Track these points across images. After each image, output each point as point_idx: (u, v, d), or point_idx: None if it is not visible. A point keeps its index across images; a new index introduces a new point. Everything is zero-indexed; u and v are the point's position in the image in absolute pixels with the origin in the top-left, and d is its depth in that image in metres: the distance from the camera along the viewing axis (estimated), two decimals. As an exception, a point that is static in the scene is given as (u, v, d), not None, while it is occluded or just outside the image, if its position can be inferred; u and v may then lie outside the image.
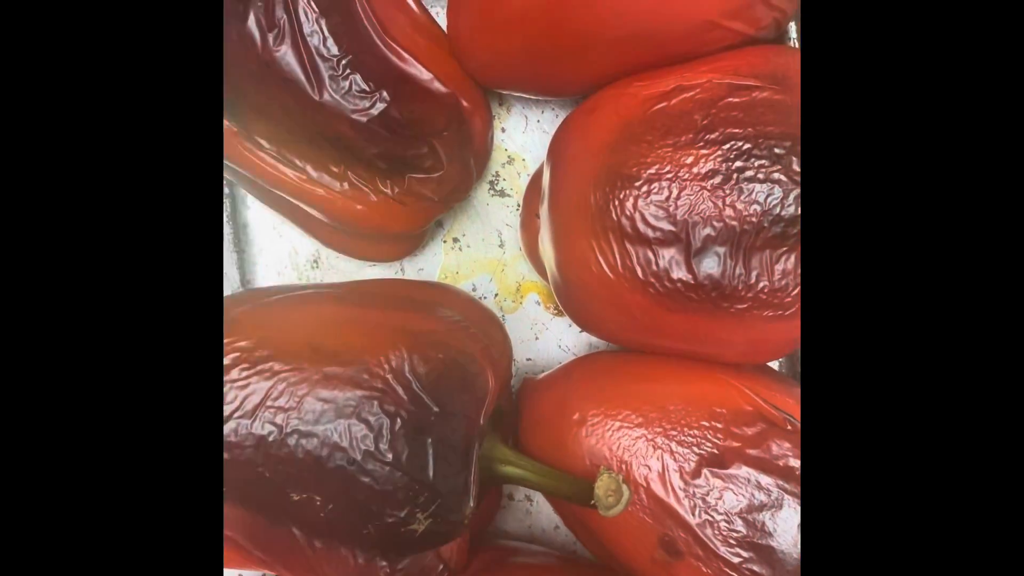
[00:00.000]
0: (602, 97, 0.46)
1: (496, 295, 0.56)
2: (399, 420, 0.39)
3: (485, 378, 0.42)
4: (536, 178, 0.53)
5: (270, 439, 0.39)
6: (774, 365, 0.57)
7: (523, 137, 0.56)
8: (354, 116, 0.44)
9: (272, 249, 0.55)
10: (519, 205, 0.56)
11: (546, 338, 0.56)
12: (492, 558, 0.46)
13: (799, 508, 0.41)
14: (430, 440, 0.39)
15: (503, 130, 0.56)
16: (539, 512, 0.55)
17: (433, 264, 0.56)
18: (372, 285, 0.47)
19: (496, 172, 0.56)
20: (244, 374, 0.39)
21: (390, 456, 0.38)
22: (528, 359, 0.56)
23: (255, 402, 0.39)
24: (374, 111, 0.44)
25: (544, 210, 0.47)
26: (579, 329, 0.56)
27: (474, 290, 0.56)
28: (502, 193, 0.56)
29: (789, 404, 0.44)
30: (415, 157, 0.45)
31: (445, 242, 0.56)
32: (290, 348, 0.40)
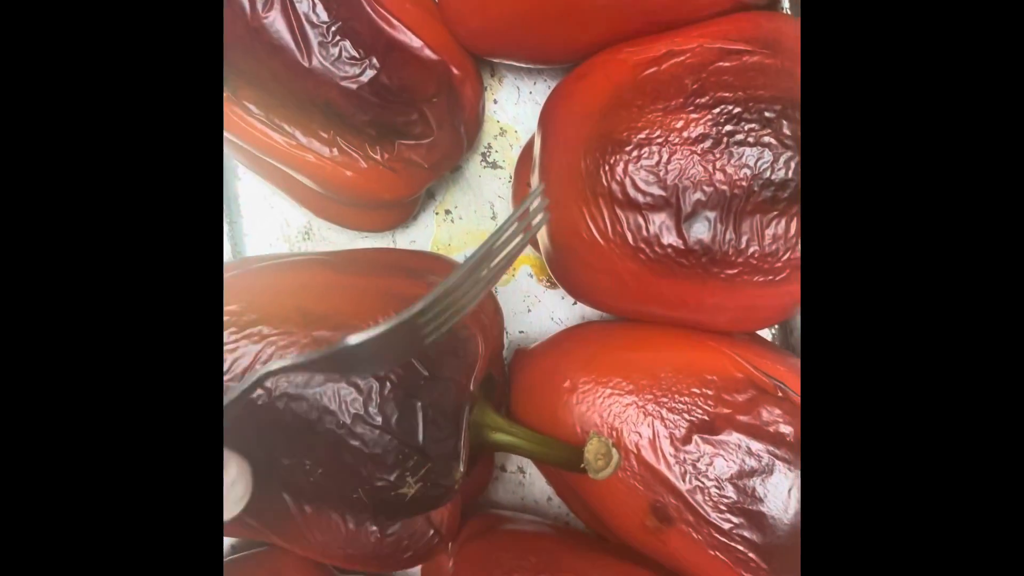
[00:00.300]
0: (592, 64, 0.46)
1: (488, 267, 0.56)
2: (388, 384, 0.39)
3: (475, 343, 0.42)
4: (528, 149, 0.53)
5: (259, 403, 0.39)
6: (767, 336, 0.57)
7: (515, 109, 0.56)
8: (344, 83, 0.44)
9: (263, 221, 0.55)
10: (511, 177, 0.56)
11: (539, 311, 0.56)
12: (484, 525, 0.46)
13: (790, 474, 0.41)
14: (419, 404, 0.39)
15: (495, 102, 0.56)
16: (532, 484, 0.55)
17: (425, 236, 0.56)
18: (363, 253, 0.47)
19: (488, 144, 0.56)
20: (233, 338, 0.39)
21: (379, 419, 0.38)
22: (521, 332, 0.56)
23: (244, 365, 0.39)
24: (364, 78, 0.44)
25: (535, 178, 0.47)
26: (572, 301, 0.56)
27: (466, 262, 0.56)
28: (494, 165, 0.56)
29: (780, 372, 0.44)
30: (405, 124, 0.45)
31: (437, 214, 0.56)
32: (279, 312, 0.40)
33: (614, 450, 0.39)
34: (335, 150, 0.44)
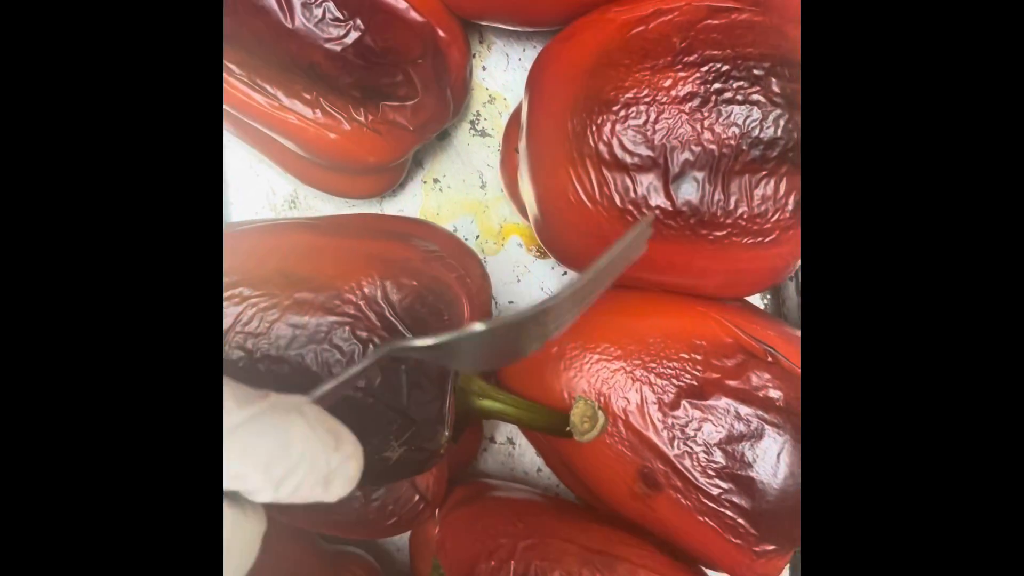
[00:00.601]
0: (579, 24, 0.45)
1: (478, 237, 0.55)
2: (371, 347, 0.38)
3: (460, 306, 0.41)
4: (516, 113, 0.52)
5: (240, 364, 0.38)
6: (760, 306, 0.56)
7: (505, 76, 0.55)
8: (328, 45, 0.43)
9: (248, 189, 0.55)
10: (500, 146, 0.55)
11: (528, 281, 0.55)
12: (472, 492, 0.46)
13: (779, 438, 0.41)
14: (404, 367, 0.38)
15: (484, 68, 0.55)
16: (521, 455, 0.55)
17: (413, 205, 0.55)
18: (348, 217, 0.46)
19: (477, 112, 0.55)
20: (213, 299, 0.39)
21: (363, 382, 0.38)
22: (510, 302, 0.55)
23: (224, 327, 0.38)
24: (348, 40, 0.44)
25: (523, 143, 0.46)
26: (562, 271, 0.55)
27: (455, 231, 0.55)
28: (483, 133, 0.55)
29: (770, 337, 0.44)
30: (389, 86, 0.44)
31: (425, 183, 0.55)
32: (260, 274, 0.39)
33: (600, 412, 0.38)
34: (318, 112, 0.44)
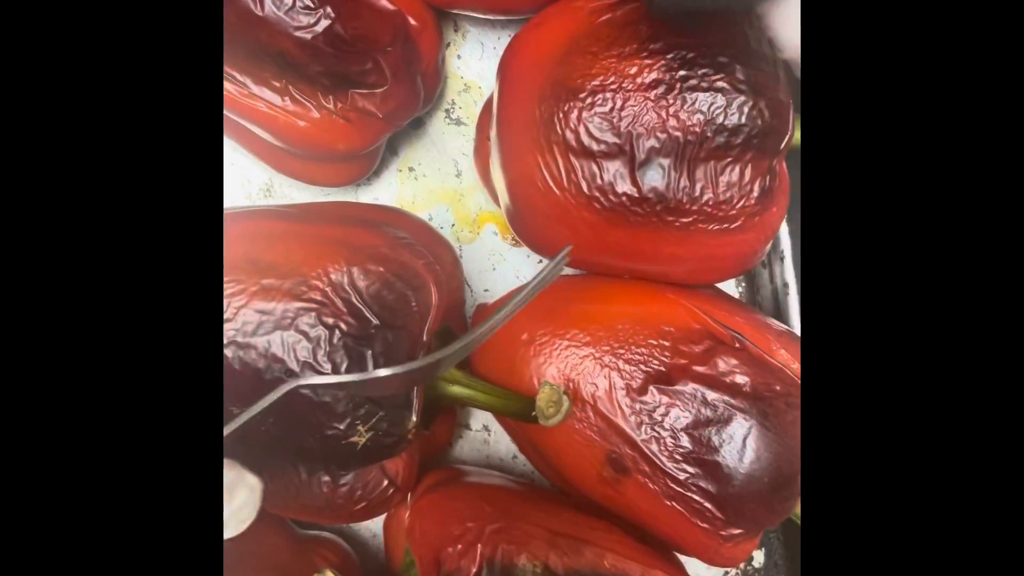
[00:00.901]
0: (548, 12, 0.45)
1: (453, 225, 0.55)
2: (338, 332, 0.38)
3: (428, 292, 0.41)
4: (489, 102, 0.52)
5: (207, 350, 0.38)
6: (735, 294, 0.57)
7: (479, 64, 0.55)
8: (297, 33, 0.44)
9: (223, 177, 0.55)
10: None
11: (503, 269, 0.56)
12: (442, 477, 0.46)
13: (745, 423, 0.41)
14: (370, 352, 0.39)
15: (459, 57, 0.55)
16: (497, 442, 0.55)
17: (388, 194, 0.55)
18: (319, 205, 0.46)
19: (452, 100, 0.55)
20: (180, 286, 0.39)
21: (329, 367, 0.38)
22: (485, 290, 0.56)
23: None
24: (318, 28, 0.44)
25: (493, 131, 0.46)
26: (537, 259, 0.56)
27: (431, 220, 0.55)
28: (458, 122, 0.55)
29: (739, 323, 0.44)
30: (359, 73, 0.44)
31: (400, 171, 0.55)
32: (227, 260, 0.39)
33: (564, 397, 0.39)
34: (287, 100, 0.44)
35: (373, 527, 0.54)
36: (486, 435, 0.55)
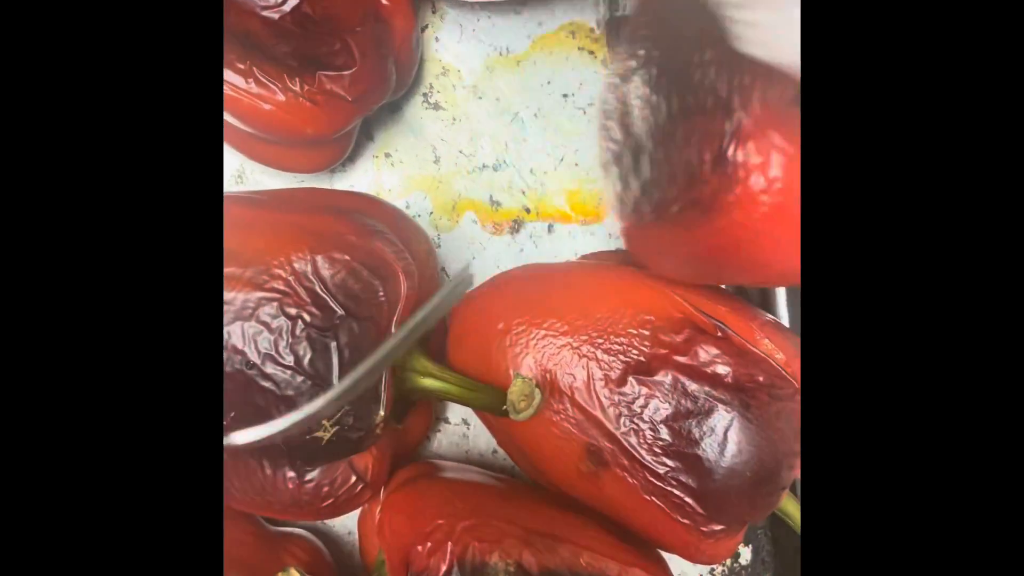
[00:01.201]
0: None
1: (431, 213, 0.54)
2: (300, 323, 0.37)
3: (397, 282, 0.40)
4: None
5: (164, 342, 0.37)
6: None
7: (458, 47, 0.54)
8: (265, 13, 0.42)
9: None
10: (455, 119, 0.54)
11: (484, 258, 0.54)
12: (418, 472, 0.44)
13: (726, 415, 0.40)
14: (334, 344, 0.37)
15: (437, 39, 0.54)
16: (476, 436, 0.54)
17: (365, 181, 0.54)
18: (290, 191, 0.45)
19: (430, 84, 0.54)
20: (135, 274, 0.37)
21: (291, 359, 0.37)
22: (465, 279, 0.54)
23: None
24: (286, 7, 0.42)
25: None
26: (519, 248, 0.54)
27: (408, 208, 0.54)
28: (436, 106, 0.54)
29: (722, 312, 0.42)
30: (327, 55, 0.43)
31: (376, 157, 0.54)
32: (185, 248, 0.38)
33: (536, 390, 0.37)
34: (251, 82, 0.42)
35: (349, 524, 0.53)
36: (465, 429, 0.54)
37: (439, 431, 0.54)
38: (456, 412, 0.54)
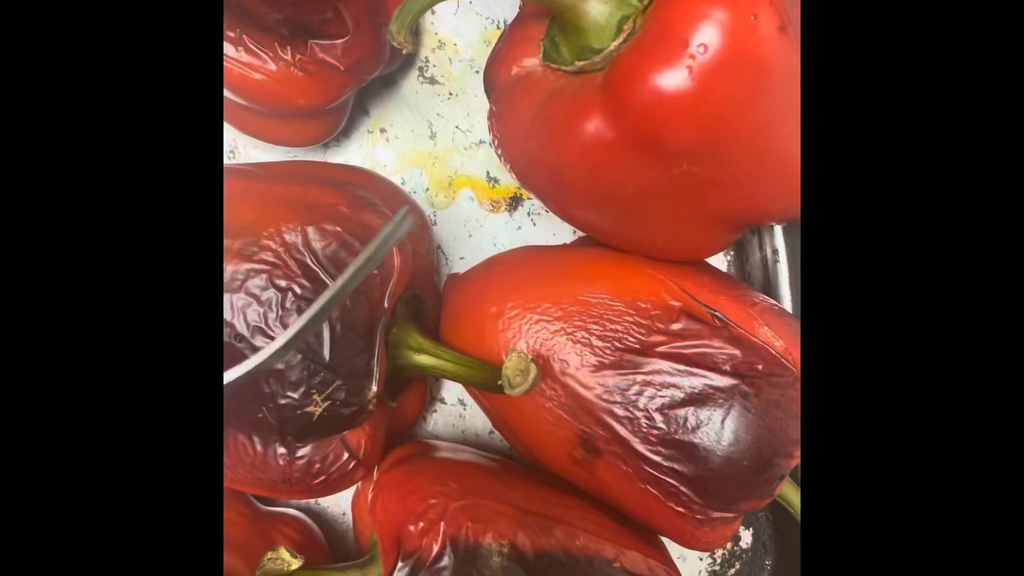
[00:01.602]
0: None
1: (427, 190, 0.53)
2: (291, 295, 0.36)
3: (389, 257, 0.39)
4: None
5: (150, 314, 0.36)
6: (723, 263, 0.54)
7: (455, 20, 0.53)
8: (256, -20, 0.41)
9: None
10: (451, 93, 0.53)
11: (480, 236, 0.53)
12: (412, 451, 0.43)
13: (723, 403, 0.39)
14: (327, 317, 0.36)
15: (433, 12, 0.52)
16: (473, 417, 0.53)
17: (359, 156, 0.53)
18: (281, 164, 0.44)
19: (426, 58, 0.53)
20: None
21: (280, 332, 0.36)
22: (461, 258, 0.53)
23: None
24: (277, -26, 0.41)
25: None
26: (516, 226, 0.53)
27: (403, 184, 0.53)
28: (432, 80, 0.53)
29: (720, 299, 0.41)
30: (320, 23, 0.42)
31: (371, 132, 0.53)
32: (173, 219, 0.37)
33: (532, 365, 0.36)
34: (241, 50, 0.41)
35: (343, 505, 0.52)
36: (461, 409, 0.53)
37: (435, 411, 0.53)
38: (452, 392, 0.53)
